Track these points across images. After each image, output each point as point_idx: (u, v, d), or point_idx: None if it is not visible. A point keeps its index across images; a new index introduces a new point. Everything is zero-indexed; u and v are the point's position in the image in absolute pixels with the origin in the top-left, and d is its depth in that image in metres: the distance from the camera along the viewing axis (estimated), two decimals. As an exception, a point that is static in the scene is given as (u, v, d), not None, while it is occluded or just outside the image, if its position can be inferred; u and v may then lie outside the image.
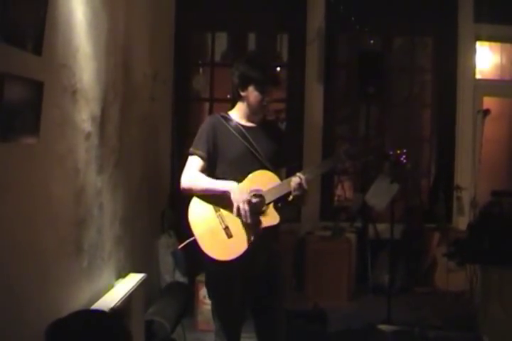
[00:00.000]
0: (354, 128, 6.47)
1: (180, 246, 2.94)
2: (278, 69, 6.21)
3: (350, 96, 6.32)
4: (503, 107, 6.60)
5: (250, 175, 2.86)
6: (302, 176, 2.83)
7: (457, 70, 6.01)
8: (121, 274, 3.86)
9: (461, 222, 5.78)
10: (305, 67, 6.01)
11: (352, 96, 6.21)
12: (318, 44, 5.98)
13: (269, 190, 2.84)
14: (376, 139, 5.70)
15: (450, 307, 4.98)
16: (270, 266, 2.95)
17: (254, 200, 2.81)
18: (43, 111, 2.55)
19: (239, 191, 2.77)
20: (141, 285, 3.75)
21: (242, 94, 2.93)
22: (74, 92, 2.98)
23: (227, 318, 2.95)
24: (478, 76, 6.12)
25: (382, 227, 5.60)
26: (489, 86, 6.13)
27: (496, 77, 6.34)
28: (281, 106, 6.15)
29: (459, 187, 5.86)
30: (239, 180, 2.84)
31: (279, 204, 2.88)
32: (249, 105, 2.94)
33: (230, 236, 2.80)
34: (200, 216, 2.86)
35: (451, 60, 6.00)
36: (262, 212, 2.82)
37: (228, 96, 6.19)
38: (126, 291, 3.49)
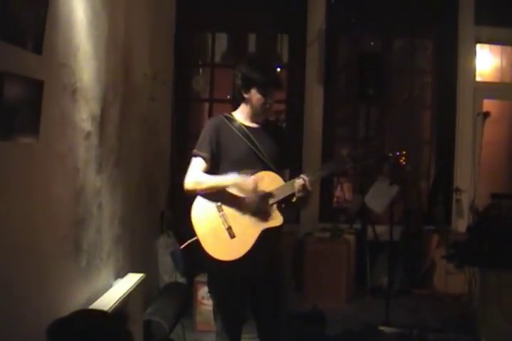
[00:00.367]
0: (354, 129, 6.46)
1: (182, 246, 2.94)
2: (278, 70, 6.20)
3: (350, 97, 6.32)
4: (503, 110, 6.61)
5: (254, 176, 2.86)
6: (306, 178, 2.83)
7: (457, 72, 6.01)
8: (120, 274, 3.85)
9: (461, 225, 5.78)
10: (305, 68, 6.01)
11: (352, 98, 6.21)
12: (318, 45, 5.98)
13: (273, 191, 2.85)
14: (375, 140, 5.70)
15: (449, 309, 4.97)
16: (273, 266, 2.95)
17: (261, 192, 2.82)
18: (42, 110, 2.55)
19: (245, 177, 2.79)
20: (139, 285, 3.75)
21: (245, 96, 2.94)
22: (74, 91, 2.97)
23: (228, 318, 2.95)
24: (478, 78, 6.12)
25: (381, 229, 5.59)
26: (489, 88, 6.13)
27: (496, 80, 6.34)
28: (282, 107, 6.14)
29: (458, 190, 5.85)
30: None
31: (283, 206, 2.88)
32: (252, 107, 2.95)
33: (232, 236, 2.80)
34: (203, 216, 2.86)
35: (451, 62, 6.00)
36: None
37: (228, 96, 6.19)
38: (125, 291, 3.49)
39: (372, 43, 6.28)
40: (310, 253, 5.40)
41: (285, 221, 2.87)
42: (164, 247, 5.04)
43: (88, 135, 3.21)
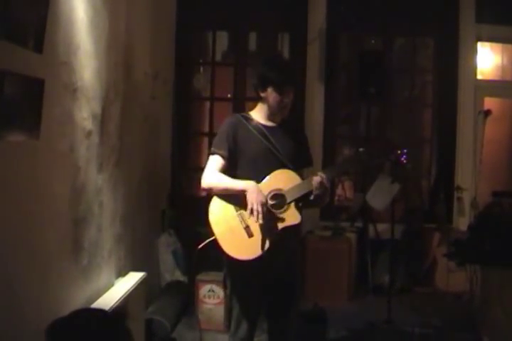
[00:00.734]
0: (355, 128, 6.46)
1: (200, 246, 2.93)
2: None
3: (350, 96, 6.31)
4: (504, 108, 6.59)
5: (271, 174, 2.87)
6: (323, 175, 2.83)
7: (458, 71, 6.00)
8: (121, 273, 3.86)
9: (462, 223, 5.77)
10: (306, 66, 6.00)
11: (353, 96, 6.20)
12: (319, 44, 5.97)
13: (290, 189, 2.84)
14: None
15: (450, 307, 4.97)
16: (287, 264, 2.96)
17: (271, 202, 2.80)
18: (43, 108, 2.55)
19: (256, 191, 2.77)
20: (141, 284, 3.75)
21: (262, 94, 2.96)
22: (75, 90, 2.97)
23: (245, 318, 2.95)
24: (479, 76, 6.11)
25: (382, 227, 5.59)
26: (490, 86, 6.12)
27: (497, 78, 6.33)
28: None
29: (459, 188, 5.85)
30: (259, 179, 2.84)
31: (300, 204, 2.88)
32: (268, 106, 2.96)
33: (250, 235, 2.80)
34: (221, 215, 2.87)
35: (452, 61, 5.99)
36: (279, 219, 2.81)
37: (229, 95, 6.19)
38: (126, 290, 3.49)
39: (373, 42, 6.26)
40: (311, 251, 5.39)
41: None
42: (165, 246, 5.05)
43: (89, 134, 3.21)
